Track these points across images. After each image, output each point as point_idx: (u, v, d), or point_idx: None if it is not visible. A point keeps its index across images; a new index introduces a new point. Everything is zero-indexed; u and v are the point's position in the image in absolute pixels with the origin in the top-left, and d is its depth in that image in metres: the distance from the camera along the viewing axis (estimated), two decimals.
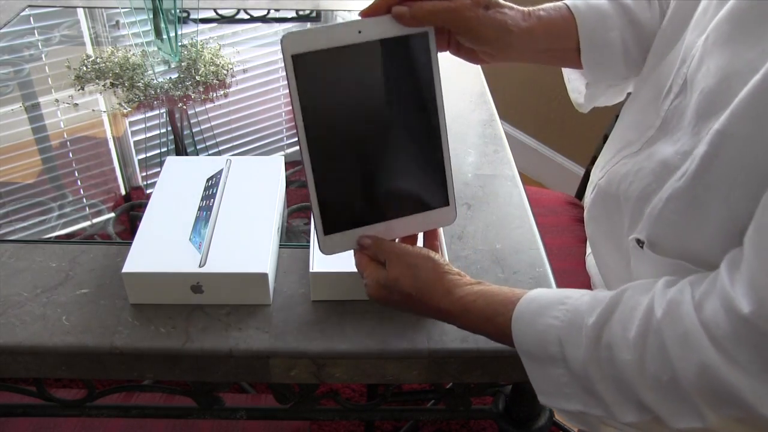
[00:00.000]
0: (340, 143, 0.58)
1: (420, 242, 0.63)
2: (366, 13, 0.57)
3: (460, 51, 0.64)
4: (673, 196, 0.47)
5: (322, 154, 0.57)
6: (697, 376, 0.41)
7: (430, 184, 0.61)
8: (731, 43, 0.45)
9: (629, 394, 0.46)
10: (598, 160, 0.66)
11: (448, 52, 0.65)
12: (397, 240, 0.61)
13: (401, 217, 0.60)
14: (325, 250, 0.59)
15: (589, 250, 0.78)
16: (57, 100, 1.04)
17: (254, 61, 1.19)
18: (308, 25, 1.36)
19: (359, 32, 0.56)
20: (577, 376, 0.48)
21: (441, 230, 0.64)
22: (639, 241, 0.52)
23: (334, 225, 0.59)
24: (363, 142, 0.58)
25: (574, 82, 0.75)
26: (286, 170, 0.80)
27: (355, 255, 0.60)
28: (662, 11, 0.67)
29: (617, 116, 0.79)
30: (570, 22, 0.65)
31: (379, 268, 0.58)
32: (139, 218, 0.70)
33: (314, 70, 0.55)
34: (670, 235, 0.48)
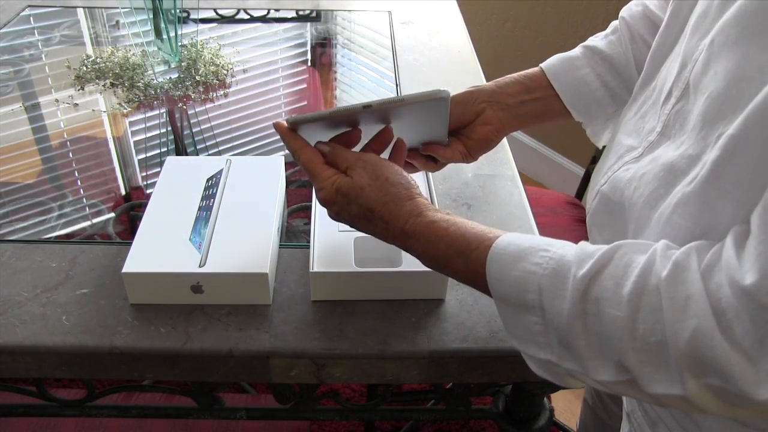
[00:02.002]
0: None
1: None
2: None
3: (472, 142, 0.70)
4: (682, 200, 0.47)
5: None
6: (688, 341, 0.41)
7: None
8: (739, 46, 0.44)
9: (610, 353, 0.45)
10: (598, 165, 0.66)
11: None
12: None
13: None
14: (290, 119, 0.57)
15: None
16: (57, 100, 1.04)
17: (254, 61, 1.19)
18: (308, 25, 1.36)
19: None
20: (555, 327, 0.47)
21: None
22: None
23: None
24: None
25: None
26: (286, 170, 0.80)
27: (300, 154, 0.57)
28: (636, 42, 0.71)
29: None
30: (541, 73, 0.72)
31: (340, 174, 0.55)
32: (139, 218, 0.70)
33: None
34: (681, 241, 0.47)
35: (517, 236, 0.51)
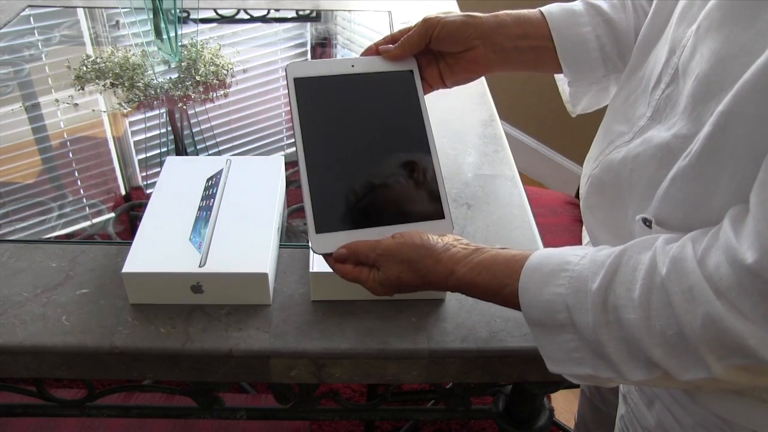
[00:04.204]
0: (334, 149, 0.61)
1: None
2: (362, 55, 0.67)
3: (453, 74, 0.69)
4: (678, 175, 0.49)
5: (316, 157, 0.60)
6: (702, 328, 0.43)
7: (423, 196, 0.62)
8: (723, 28, 0.46)
9: (638, 354, 0.47)
10: (589, 154, 0.67)
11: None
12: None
13: (395, 224, 0.60)
14: (317, 248, 0.59)
15: (586, 240, 0.78)
16: (57, 100, 1.04)
17: (254, 61, 1.19)
18: (308, 25, 1.36)
19: (352, 66, 0.64)
20: (587, 340, 0.50)
21: None
22: (646, 221, 0.53)
23: (325, 224, 0.59)
24: (354, 152, 0.62)
25: (561, 83, 0.79)
26: (286, 170, 0.80)
27: (335, 268, 0.60)
28: (637, 11, 0.70)
29: None
30: (541, 20, 0.70)
31: (373, 271, 0.59)
32: (139, 218, 0.70)
33: (312, 91, 0.62)
34: (678, 212, 0.49)
35: (540, 260, 0.53)
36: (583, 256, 0.51)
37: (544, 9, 0.71)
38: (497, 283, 0.55)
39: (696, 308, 0.43)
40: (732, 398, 0.53)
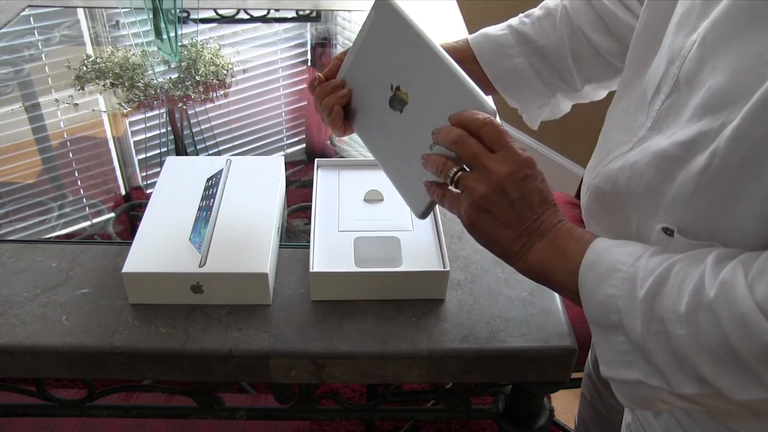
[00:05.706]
0: None
1: None
2: None
3: None
4: (701, 184, 0.48)
5: None
6: (758, 356, 0.42)
7: None
8: (735, 40, 0.46)
9: (687, 367, 0.46)
10: (589, 163, 0.67)
11: None
12: None
13: None
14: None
15: None
16: (57, 100, 1.04)
17: (254, 61, 1.19)
18: (308, 25, 1.36)
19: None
20: (637, 345, 0.49)
21: None
22: (667, 230, 0.52)
23: None
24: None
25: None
26: (286, 170, 0.80)
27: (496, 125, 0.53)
28: (576, 33, 0.71)
29: None
30: (464, 45, 0.72)
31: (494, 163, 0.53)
32: (139, 218, 0.70)
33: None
34: (703, 221, 0.49)
35: (597, 257, 0.52)
36: (638, 258, 0.50)
37: (471, 41, 0.73)
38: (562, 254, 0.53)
39: (752, 337, 0.42)
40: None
